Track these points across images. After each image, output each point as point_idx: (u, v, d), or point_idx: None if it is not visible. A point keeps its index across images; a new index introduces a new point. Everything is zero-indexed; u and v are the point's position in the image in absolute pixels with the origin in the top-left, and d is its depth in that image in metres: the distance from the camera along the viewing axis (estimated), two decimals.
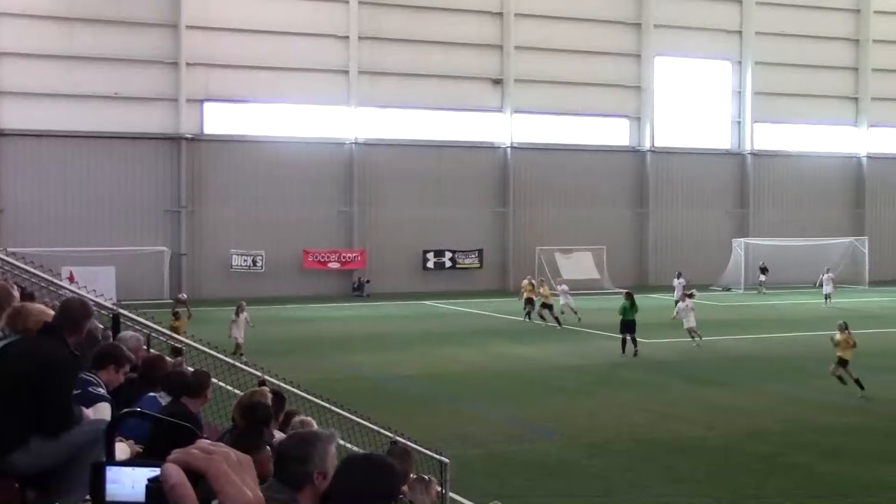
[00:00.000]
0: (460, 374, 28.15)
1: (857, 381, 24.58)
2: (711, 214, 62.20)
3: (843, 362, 24.94)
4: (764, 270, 56.27)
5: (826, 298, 47.68)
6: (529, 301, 40.12)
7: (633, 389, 25.88)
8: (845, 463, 18.23)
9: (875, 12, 65.47)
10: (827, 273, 48.86)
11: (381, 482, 4.48)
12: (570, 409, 23.04)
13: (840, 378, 24.81)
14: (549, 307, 39.07)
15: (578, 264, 55.93)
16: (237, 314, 29.85)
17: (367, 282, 53.52)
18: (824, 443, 19.79)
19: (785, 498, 15.97)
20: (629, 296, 32.28)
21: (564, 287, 41.19)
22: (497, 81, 57.62)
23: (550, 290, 40.15)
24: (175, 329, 27.37)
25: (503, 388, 25.91)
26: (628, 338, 31.20)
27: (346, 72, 54.53)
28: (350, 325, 39.26)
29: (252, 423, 7.26)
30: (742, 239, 59.62)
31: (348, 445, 11.62)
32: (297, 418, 9.11)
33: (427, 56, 55.95)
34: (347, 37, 54.51)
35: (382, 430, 12.18)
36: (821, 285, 49.34)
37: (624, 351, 31.11)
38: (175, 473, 2.09)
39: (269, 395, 8.14)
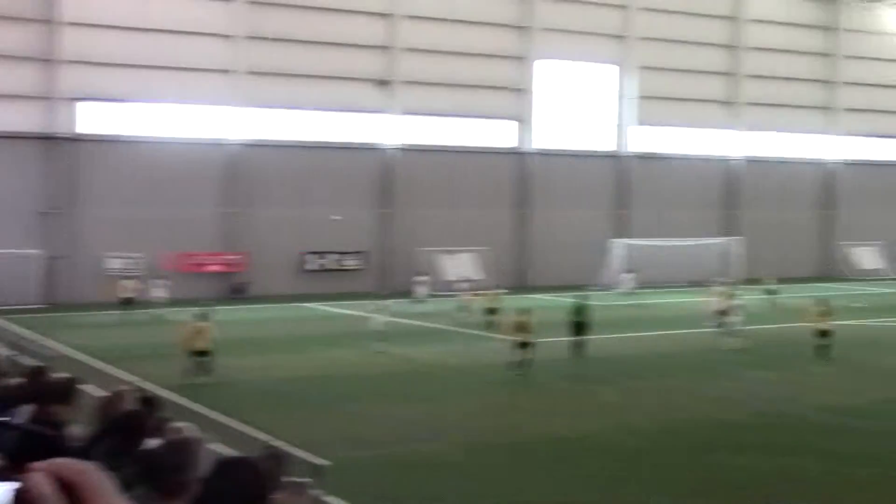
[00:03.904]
0: (344, 377, 28.09)
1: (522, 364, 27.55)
2: (592, 215, 63.12)
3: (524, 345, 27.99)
4: (629, 272, 57.44)
5: (623, 296, 49.90)
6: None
7: (515, 389, 26.21)
8: (718, 455, 18.77)
9: (749, 20, 67.40)
10: (629, 273, 50.99)
11: (249, 485, 4.46)
12: (453, 410, 23.20)
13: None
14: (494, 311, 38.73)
15: (462, 265, 56.25)
16: None
17: (248, 283, 52.94)
18: (698, 436, 20.33)
19: (659, 489, 16.35)
20: (582, 299, 32.60)
21: (163, 282, 42.85)
22: (384, 83, 57.52)
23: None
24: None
25: (387, 390, 25.95)
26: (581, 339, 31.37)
27: (231, 72, 53.83)
28: (230, 328, 38.69)
29: (122, 431, 7.04)
30: (621, 239, 60.68)
31: (225, 450, 11.50)
32: (171, 424, 8.98)
33: (313, 57, 55.54)
34: (232, 36, 53.82)
35: (258, 434, 12.09)
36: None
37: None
38: (43, 482, 2.05)
39: (130, 396, 7.97)
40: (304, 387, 26.42)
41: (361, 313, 42.14)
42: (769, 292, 48.67)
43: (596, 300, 41.09)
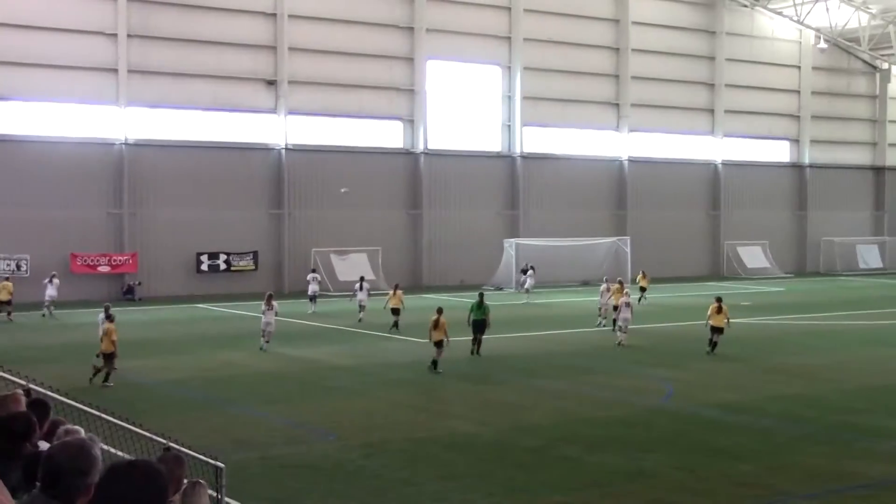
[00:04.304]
0: (236, 378, 27.83)
1: None
2: (483, 215, 63.58)
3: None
4: (525, 272, 57.95)
5: (527, 293, 52.42)
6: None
7: (409, 389, 26.28)
8: (610, 454, 19.08)
9: (633, 23, 68.62)
10: (531, 270, 53.93)
11: (147, 489, 4.39)
12: (347, 410, 23.15)
13: None
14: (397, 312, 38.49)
15: (354, 265, 56.14)
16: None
17: (139, 284, 52.04)
18: (590, 435, 20.64)
19: (554, 490, 16.57)
20: (480, 297, 33.16)
21: (52, 284, 44.21)
22: (271, 82, 57.08)
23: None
24: None
25: (279, 391, 25.80)
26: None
27: (115, 70, 52.79)
28: (121, 330, 38.04)
29: (9, 434, 6.85)
30: (513, 239, 61.23)
31: (119, 454, 11.33)
32: (62, 427, 8.79)
33: (200, 56, 54.88)
34: (116, 34, 52.77)
35: (155, 437, 11.91)
36: (523, 283, 54.16)
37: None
38: None
39: (23, 399, 7.80)
40: (196, 388, 26.12)
41: (254, 314, 41.84)
42: (642, 289, 49.91)
43: (496, 299, 41.63)
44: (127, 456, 11.23)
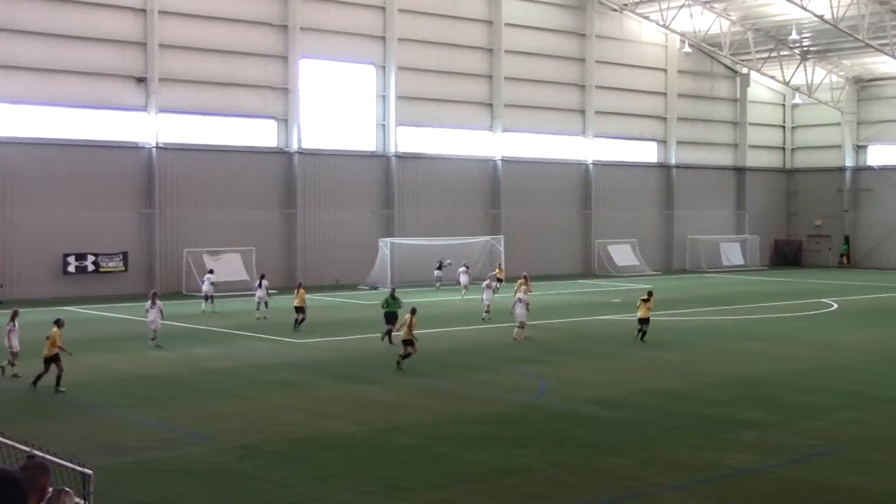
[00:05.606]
0: (106, 381, 27.23)
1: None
2: (358, 214, 63.39)
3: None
4: (441, 266, 58.85)
5: (464, 290, 53.28)
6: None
7: (285, 390, 26.06)
8: (485, 450, 19.24)
9: (506, 24, 69.31)
10: (464, 268, 55.05)
11: (10, 498, 4.26)
12: (221, 412, 22.85)
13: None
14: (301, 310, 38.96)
15: (227, 266, 55.39)
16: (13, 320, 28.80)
17: (0, 286, 50.39)
18: (466, 432, 20.79)
19: (430, 487, 16.64)
20: (392, 291, 35.57)
21: None
22: (141, 80, 55.86)
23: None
24: None
25: (152, 394, 25.31)
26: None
27: None
28: None
29: None
30: (388, 238, 61.22)
31: None
32: None
33: (66, 51, 53.38)
34: None
35: (18, 445, 11.55)
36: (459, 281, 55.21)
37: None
38: None
39: None
40: (66, 393, 25.39)
41: (124, 316, 41.03)
42: (498, 280, 51.39)
43: (374, 299, 41.48)
44: None
